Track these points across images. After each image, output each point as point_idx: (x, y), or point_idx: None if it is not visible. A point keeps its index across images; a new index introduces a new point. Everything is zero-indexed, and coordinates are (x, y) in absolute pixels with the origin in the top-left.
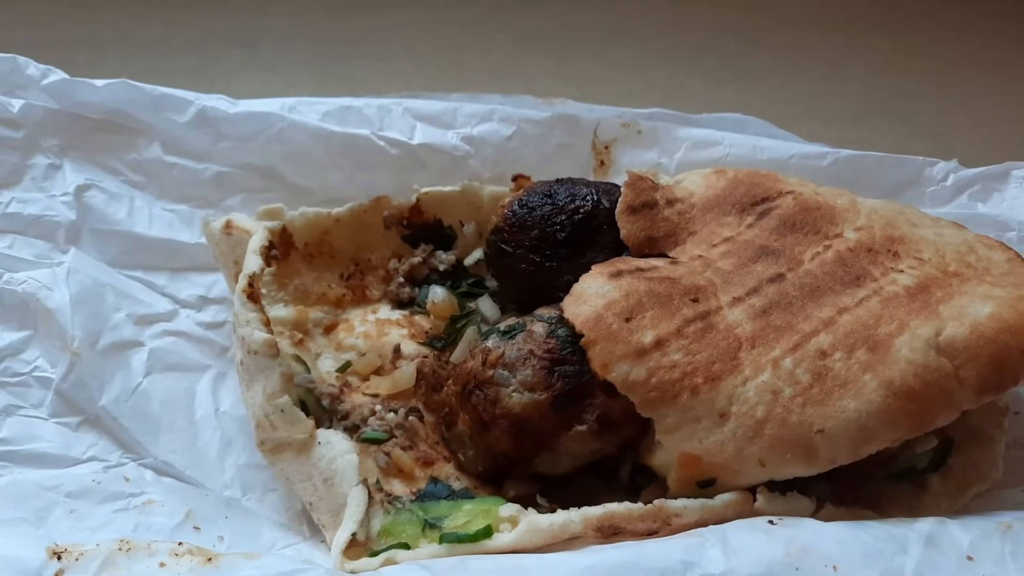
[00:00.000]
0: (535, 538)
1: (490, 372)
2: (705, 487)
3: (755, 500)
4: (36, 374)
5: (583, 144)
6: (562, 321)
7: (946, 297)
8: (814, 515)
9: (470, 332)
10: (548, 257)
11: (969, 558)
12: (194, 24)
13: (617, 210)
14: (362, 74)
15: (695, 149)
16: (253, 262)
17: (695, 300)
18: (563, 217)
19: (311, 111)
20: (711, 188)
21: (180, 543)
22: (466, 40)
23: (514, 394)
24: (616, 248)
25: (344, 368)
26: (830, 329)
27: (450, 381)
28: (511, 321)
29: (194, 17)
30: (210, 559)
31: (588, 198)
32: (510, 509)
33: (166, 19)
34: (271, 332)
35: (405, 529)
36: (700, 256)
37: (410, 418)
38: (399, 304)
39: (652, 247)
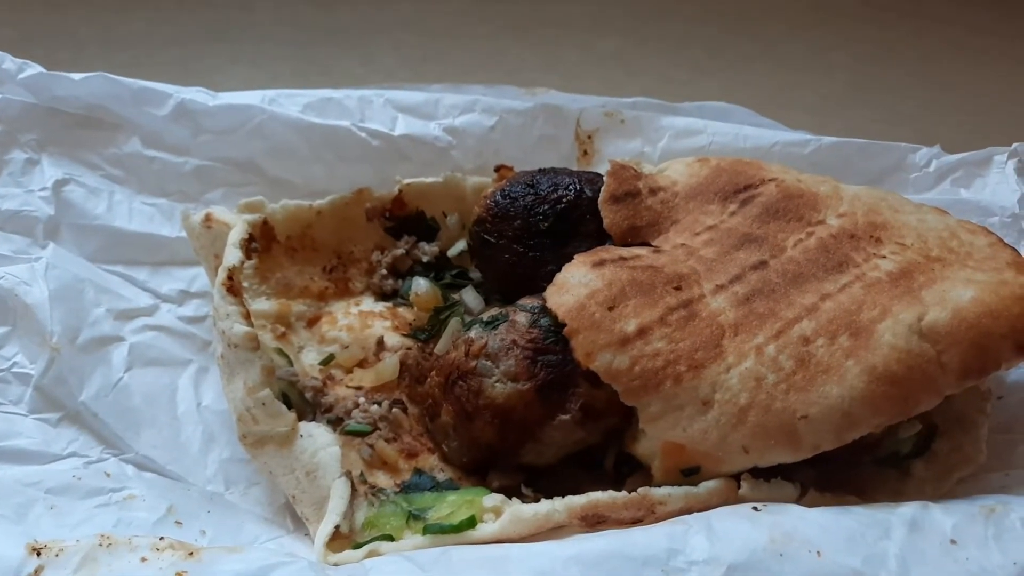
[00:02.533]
0: (519, 528)
1: (473, 363)
2: (689, 475)
3: (739, 487)
4: (15, 370)
5: (566, 134)
6: (545, 311)
7: (928, 282)
8: (798, 501)
9: (453, 323)
10: (531, 247)
11: (952, 542)
12: (176, 19)
13: (600, 199)
14: (345, 67)
15: (678, 138)
16: (232, 255)
17: (678, 288)
18: (546, 207)
19: (291, 103)
20: (694, 176)
21: (161, 538)
22: (450, 32)
23: (497, 384)
24: (599, 237)
25: (327, 361)
26: (813, 315)
27: (433, 372)
28: (494, 311)
29: (176, 12)
30: (192, 553)
31: (571, 188)
32: (494, 499)
33: (148, 15)
34: (251, 325)
35: (389, 521)
36: (683, 244)
37: (394, 410)
38: (382, 296)
39: (635, 236)
